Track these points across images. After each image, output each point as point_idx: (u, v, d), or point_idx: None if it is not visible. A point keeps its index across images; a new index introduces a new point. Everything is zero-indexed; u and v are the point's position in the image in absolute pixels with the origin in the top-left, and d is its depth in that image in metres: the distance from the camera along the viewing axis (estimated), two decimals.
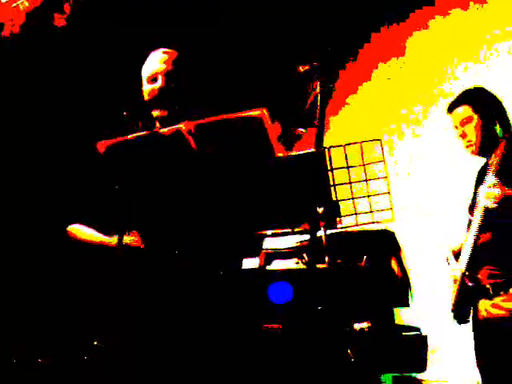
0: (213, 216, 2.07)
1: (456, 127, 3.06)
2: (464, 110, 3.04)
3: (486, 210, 2.79)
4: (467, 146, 3.03)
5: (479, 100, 3.06)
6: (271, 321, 3.22)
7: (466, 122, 3.02)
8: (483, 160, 3.08)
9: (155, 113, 2.26)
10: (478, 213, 2.86)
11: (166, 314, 2.03)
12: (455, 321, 3.05)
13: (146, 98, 2.27)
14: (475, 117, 3.02)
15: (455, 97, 3.13)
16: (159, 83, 2.24)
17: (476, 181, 3.09)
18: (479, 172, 3.11)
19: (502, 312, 2.83)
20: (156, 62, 2.29)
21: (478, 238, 2.88)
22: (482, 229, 2.87)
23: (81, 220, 2.21)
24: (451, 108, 3.11)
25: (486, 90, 3.08)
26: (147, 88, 2.28)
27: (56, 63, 4.19)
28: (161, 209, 2.09)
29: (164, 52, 2.33)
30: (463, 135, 3.02)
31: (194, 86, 2.35)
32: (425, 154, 4.60)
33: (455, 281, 3.01)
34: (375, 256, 2.91)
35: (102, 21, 4.17)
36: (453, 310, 3.04)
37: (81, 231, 2.18)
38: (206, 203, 2.04)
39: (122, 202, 2.17)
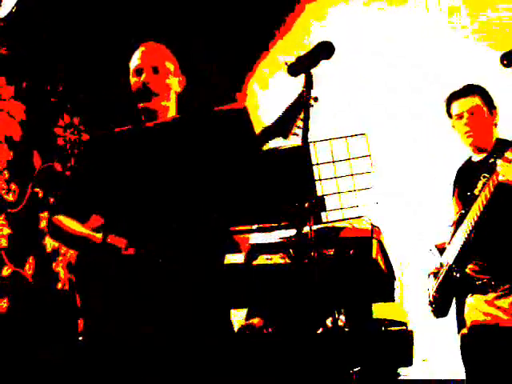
0: (197, 210, 2.06)
1: (460, 115, 2.98)
2: (475, 100, 2.97)
3: (490, 200, 2.67)
4: (469, 136, 2.96)
5: (488, 96, 3.03)
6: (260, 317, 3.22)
7: (474, 111, 2.96)
8: (471, 156, 3.05)
9: (140, 105, 2.25)
10: (477, 205, 2.75)
11: (149, 313, 2.01)
12: (433, 314, 3.03)
13: (132, 90, 2.28)
14: (485, 109, 2.97)
15: (462, 86, 3.07)
16: (143, 76, 2.25)
17: (464, 176, 3.05)
18: (464, 169, 3.07)
19: (492, 309, 2.78)
20: (141, 54, 2.29)
21: (472, 232, 2.78)
22: (479, 223, 2.75)
23: (67, 211, 2.19)
24: (457, 95, 3.05)
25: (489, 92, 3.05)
26: (133, 81, 2.28)
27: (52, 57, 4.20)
28: (144, 202, 2.08)
29: (149, 45, 2.33)
30: (469, 123, 2.96)
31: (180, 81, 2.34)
32: (409, 147, 4.59)
33: (437, 274, 2.99)
34: (361, 251, 2.91)
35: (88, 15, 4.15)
36: (431, 304, 3.02)
37: (66, 222, 2.17)
38: (191, 197, 2.03)
39: (105, 196, 2.16)
